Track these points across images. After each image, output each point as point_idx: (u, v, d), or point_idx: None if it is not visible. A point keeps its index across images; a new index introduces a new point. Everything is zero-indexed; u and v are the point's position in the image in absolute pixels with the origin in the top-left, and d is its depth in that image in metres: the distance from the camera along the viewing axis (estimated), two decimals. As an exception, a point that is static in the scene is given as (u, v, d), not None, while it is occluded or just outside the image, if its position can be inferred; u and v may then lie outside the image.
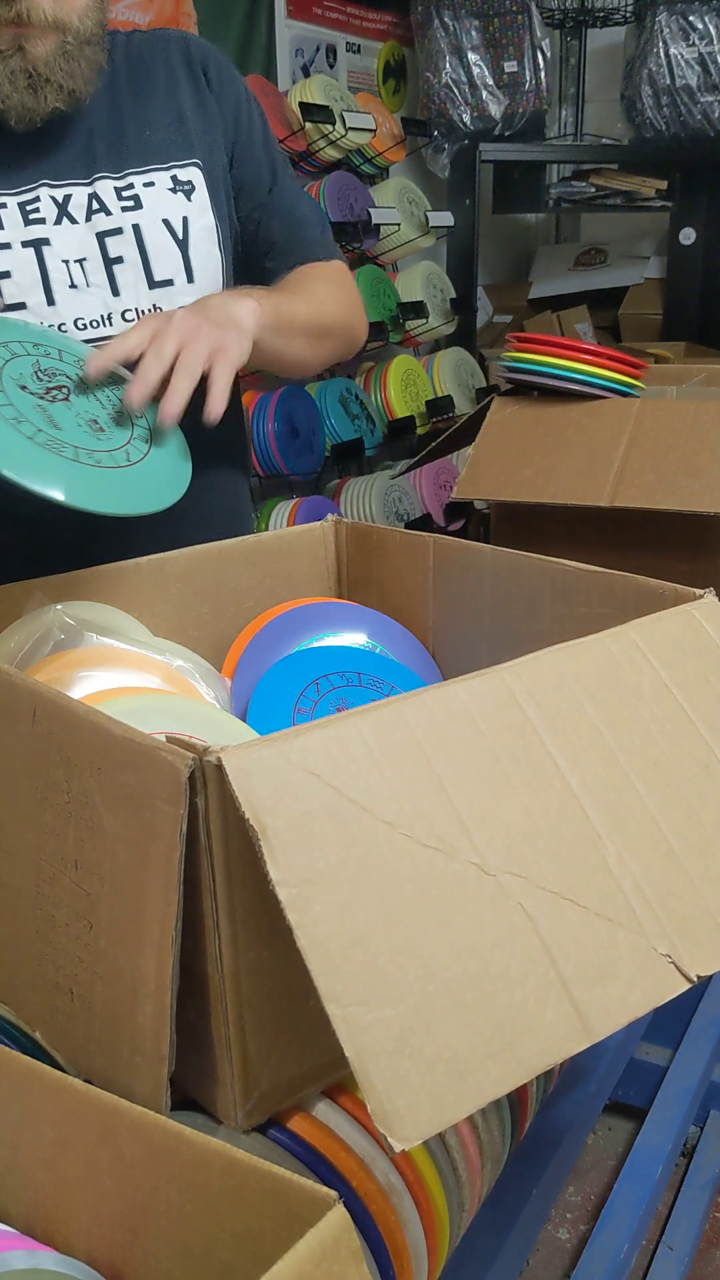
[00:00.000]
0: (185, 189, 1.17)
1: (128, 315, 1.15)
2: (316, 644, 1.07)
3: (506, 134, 3.29)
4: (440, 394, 3.10)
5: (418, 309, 2.99)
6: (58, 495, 0.86)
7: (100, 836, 0.64)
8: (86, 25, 1.06)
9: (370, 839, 0.58)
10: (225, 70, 1.23)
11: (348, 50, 3.15)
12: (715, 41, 3.21)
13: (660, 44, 3.25)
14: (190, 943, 0.62)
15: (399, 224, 2.95)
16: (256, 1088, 0.66)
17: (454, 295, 3.26)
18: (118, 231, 1.14)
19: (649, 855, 0.66)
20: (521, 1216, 0.91)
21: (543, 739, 0.67)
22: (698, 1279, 1.64)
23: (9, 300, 1.11)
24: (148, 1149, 0.54)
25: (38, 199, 1.13)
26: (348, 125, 2.66)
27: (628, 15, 3.47)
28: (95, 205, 1.14)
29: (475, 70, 3.22)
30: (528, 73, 3.23)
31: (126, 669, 0.90)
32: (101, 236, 1.14)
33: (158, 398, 0.96)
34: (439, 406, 3.04)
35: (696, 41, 3.22)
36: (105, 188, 1.14)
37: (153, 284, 1.16)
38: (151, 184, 1.16)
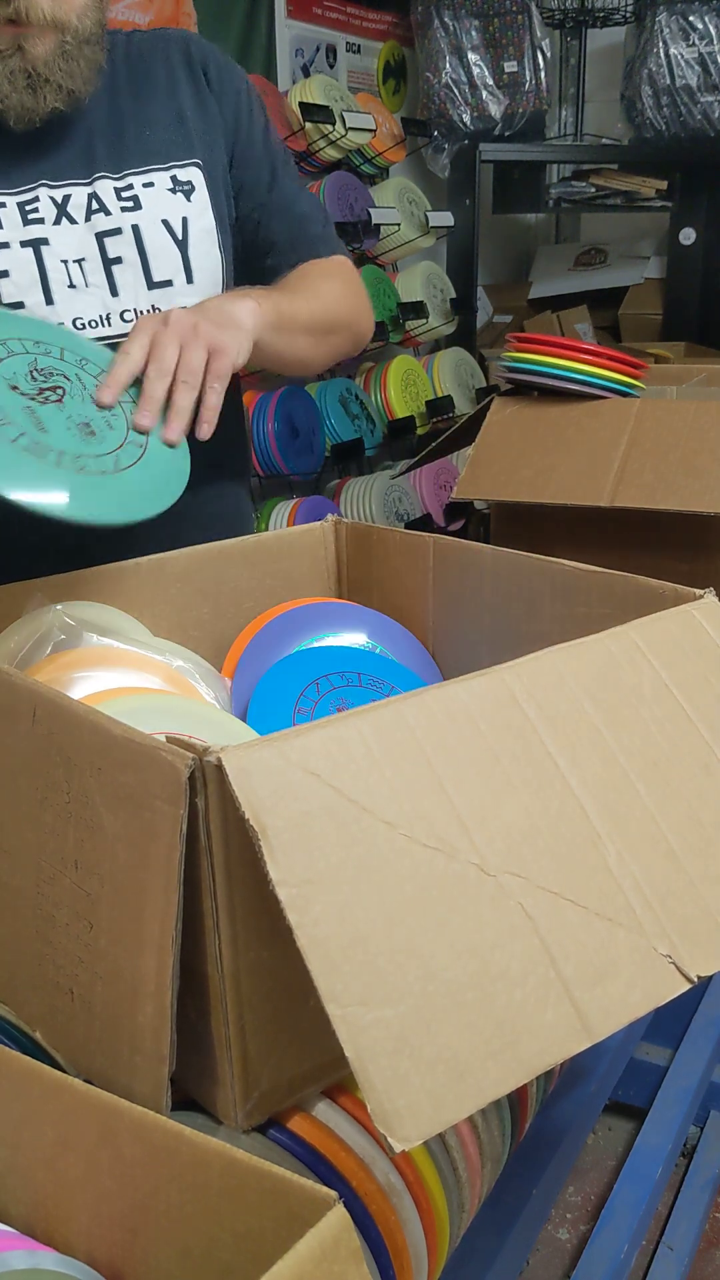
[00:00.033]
0: (185, 189, 1.17)
1: (126, 316, 1.15)
2: (316, 644, 1.07)
3: (506, 134, 3.29)
4: (440, 394, 3.10)
5: (418, 309, 2.99)
6: (26, 499, 0.85)
7: (100, 836, 0.64)
8: (85, 25, 1.06)
9: (370, 839, 0.58)
10: (226, 69, 1.23)
11: (348, 50, 3.15)
12: (715, 41, 3.21)
13: (660, 44, 3.24)
14: (190, 943, 0.62)
15: (399, 224, 2.95)
16: (256, 1088, 0.66)
17: (454, 295, 3.26)
18: (117, 232, 1.14)
19: (649, 855, 0.66)
20: (521, 1216, 0.91)
21: (543, 739, 0.67)
22: (698, 1279, 1.64)
23: (7, 300, 1.11)
24: (148, 1149, 0.54)
25: (37, 199, 1.12)
26: (348, 125, 2.66)
27: (628, 15, 3.47)
28: (95, 205, 1.14)
29: (475, 70, 3.22)
30: (528, 73, 3.23)
31: (126, 669, 0.90)
32: (100, 237, 1.14)
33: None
34: (439, 406, 3.04)
35: (696, 41, 3.22)
36: (105, 188, 1.14)
37: (151, 284, 1.16)
38: (151, 184, 1.16)
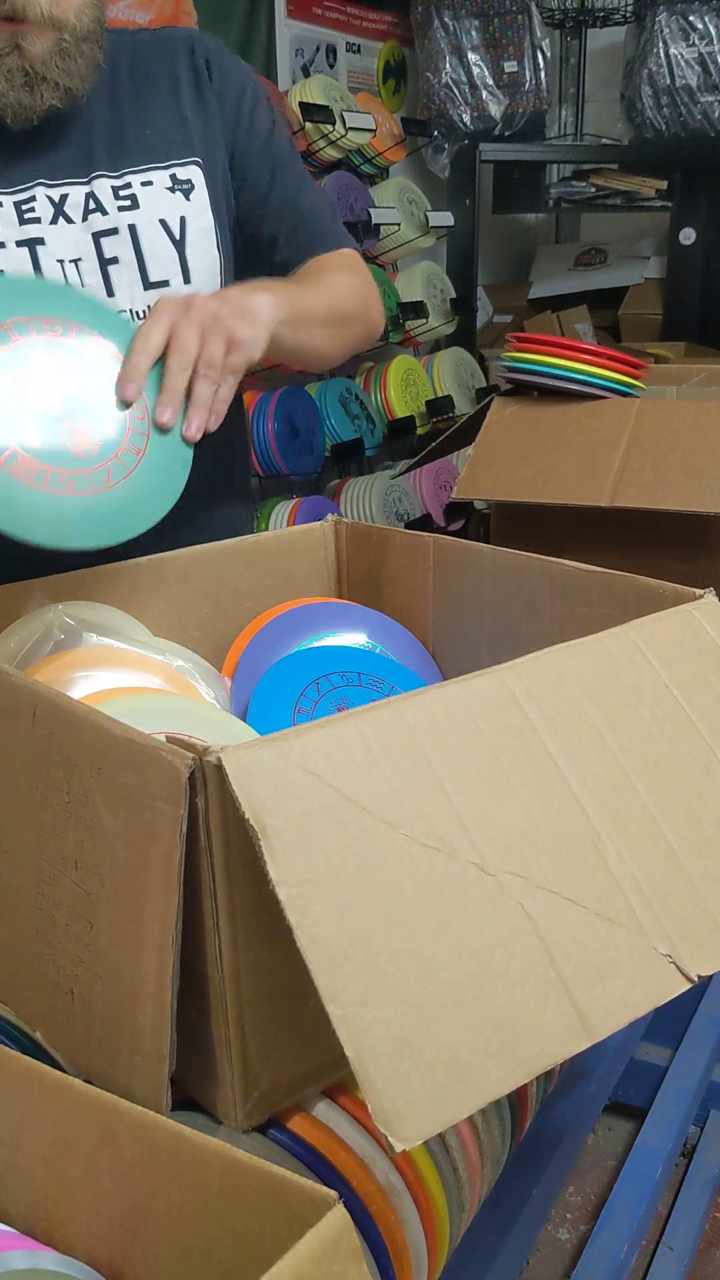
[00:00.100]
0: (184, 188, 1.17)
1: (122, 316, 1.15)
2: (316, 644, 1.07)
3: (506, 134, 3.29)
4: (440, 394, 3.11)
5: (418, 309, 2.99)
6: (8, 530, 0.84)
7: (100, 836, 0.64)
8: (84, 22, 1.06)
9: (370, 839, 0.58)
10: (230, 65, 1.22)
11: (348, 50, 3.15)
12: (715, 41, 3.21)
13: (660, 44, 3.24)
14: (190, 943, 0.62)
15: (399, 224, 2.95)
16: (256, 1088, 0.66)
17: (454, 295, 3.26)
18: (113, 232, 1.14)
19: (649, 855, 0.66)
20: (521, 1216, 0.91)
21: (543, 739, 0.67)
22: (698, 1279, 1.64)
23: None
24: (148, 1149, 0.54)
25: (33, 198, 1.12)
26: (348, 125, 2.66)
27: (628, 15, 3.47)
28: (92, 205, 1.14)
29: (475, 70, 3.22)
30: (528, 73, 3.23)
31: (126, 669, 0.90)
32: (97, 237, 1.13)
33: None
34: (439, 406, 3.04)
35: (696, 41, 3.22)
36: (102, 187, 1.14)
37: (148, 285, 1.15)
38: (150, 183, 1.15)
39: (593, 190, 3.65)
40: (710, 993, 1.61)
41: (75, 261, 1.13)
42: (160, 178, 1.16)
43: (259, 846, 0.54)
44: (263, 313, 1.03)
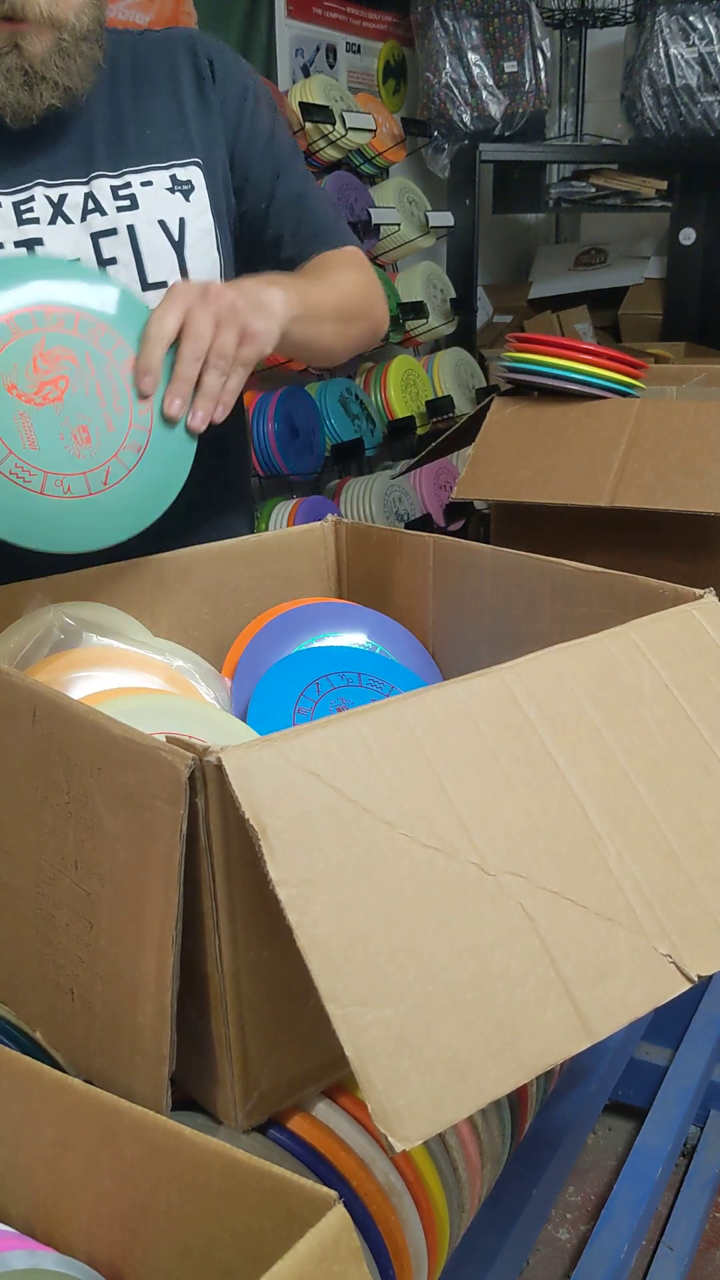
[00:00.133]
0: (184, 189, 1.17)
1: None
2: (316, 644, 1.07)
3: (506, 134, 3.29)
4: (440, 394, 3.11)
5: (418, 309, 2.99)
6: (3, 536, 0.84)
7: (100, 836, 0.64)
8: (83, 22, 1.06)
9: (370, 839, 0.58)
10: (232, 65, 1.22)
11: (348, 50, 3.15)
12: (715, 41, 3.21)
13: (660, 44, 3.24)
14: (190, 943, 0.62)
15: (399, 224, 2.95)
16: (256, 1088, 0.66)
17: (454, 295, 3.26)
18: (112, 232, 1.13)
19: (649, 855, 0.66)
20: (521, 1216, 0.91)
21: (543, 739, 0.67)
22: (698, 1279, 1.64)
23: None
24: (148, 1149, 0.54)
25: (32, 198, 1.12)
26: (348, 125, 2.66)
27: (628, 15, 3.47)
28: (91, 205, 1.13)
29: (475, 70, 3.22)
30: (528, 73, 3.23)
31: (126, 669, 0.90)
32: (96, 237, 1.13)
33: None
34: (439, 406, 3.04)
35: (696, 41, 3.22)
36: (101, 187, 1.14)
37: (146, 286, 1.15)
38: (149, 183, 1.15)
39: (593, 190, 3.65)
40: (710, 993, 1.61)
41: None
42: (160, 178, 1.16)
43: (259, 846, 0.54)
44: (276, 307, 1.02)
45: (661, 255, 3.84)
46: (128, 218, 1.14)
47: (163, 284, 1.16)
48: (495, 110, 3.25)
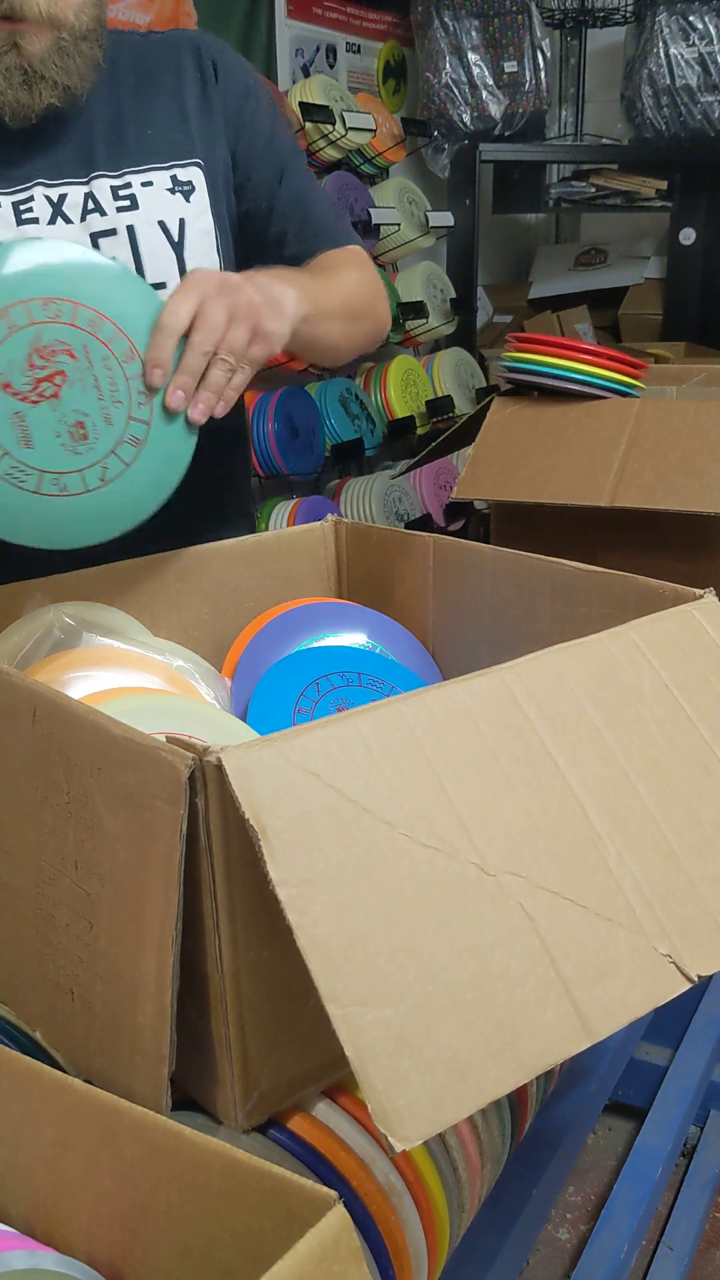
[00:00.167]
0: (185, 189, 1.17)
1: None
2: (316, 644, 1.07)
3: (506, 134, 3.29)
4: (440, 394, 3.11)
5: (418, 309, 2.99)
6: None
7: (100, 836, 0.64)
8: (82, 21, 1.06)
9: (370, 839, 0.58)
10: (233, 65, 1.22)
11: (348, 50, 3.15)
12: (715, 41, 3.21)
13: (660, 44, 3.25)
14: (190, 943, 0.62)
15: (399, 224, 2.95)
16: (256, 1088, 0.66)
17: (454, 295, 3.26)
18: (111, 233, 1.13)
19: (649, 855, 0.66)
20: (521, 1216, 0.91)
21: (543, 739, 0.67)
22: (698, 1279, 1.64)
23: None
24: (148, 1149, 0.54)
25: (32, 198, 1.12)
26: (348, 125, 2.66)
27: (628, 15, 3.47)
28: (90, 205, 1.13)
29: (475, 70, 3.22)
30: (528, 73, 3.23)
31: (126, 669, 0.90)
32: (95, 237, 1.13)
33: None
34: (439, 406, 3.04)
35: (696, 41, 3.22)
36: (101, 187, 1.14)
37: None
38: (150, 184, 1.15)
39: (593, 190, 3.65)
40: (710, 993, 1.61)
41: None
42: (161, 178, 1.16)
43: (259, 846, 0.54)
44: (290, 306, 1.01)
45: (661, 255, 3.85)
46: (127, 218, 1.14)
47: (162, 285, 1.15)
48: (495, 110, 3.25)
